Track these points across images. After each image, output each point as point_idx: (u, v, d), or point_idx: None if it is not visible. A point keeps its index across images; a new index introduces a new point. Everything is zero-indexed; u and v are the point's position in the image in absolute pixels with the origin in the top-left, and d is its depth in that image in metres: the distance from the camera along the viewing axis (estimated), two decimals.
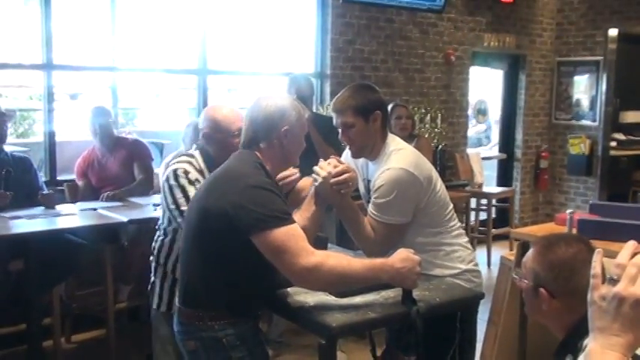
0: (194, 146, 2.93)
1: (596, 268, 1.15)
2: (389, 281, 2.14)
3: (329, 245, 2.66)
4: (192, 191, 2.60)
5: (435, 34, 6.93)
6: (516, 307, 3.62)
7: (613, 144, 8.21)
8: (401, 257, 2.13)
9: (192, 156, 2.82)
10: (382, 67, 6.52)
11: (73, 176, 4.78)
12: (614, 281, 1.12)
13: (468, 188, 6.64)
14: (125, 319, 4.60)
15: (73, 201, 4.47)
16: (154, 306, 2.88)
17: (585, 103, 8.04)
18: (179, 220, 2.64)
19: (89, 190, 4.64)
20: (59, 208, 4.12)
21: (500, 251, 6.66)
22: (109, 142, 4.64)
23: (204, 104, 5.66)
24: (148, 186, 4.69)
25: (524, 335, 3.58)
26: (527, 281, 1.76)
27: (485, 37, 7.43)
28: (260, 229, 2.01)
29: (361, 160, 2.74)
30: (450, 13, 7.03)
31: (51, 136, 4.89)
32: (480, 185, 6.90)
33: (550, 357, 4.00)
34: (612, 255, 3.10)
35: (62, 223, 3.87)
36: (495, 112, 8.64)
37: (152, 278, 2.93)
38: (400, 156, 2.56)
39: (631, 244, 1.15)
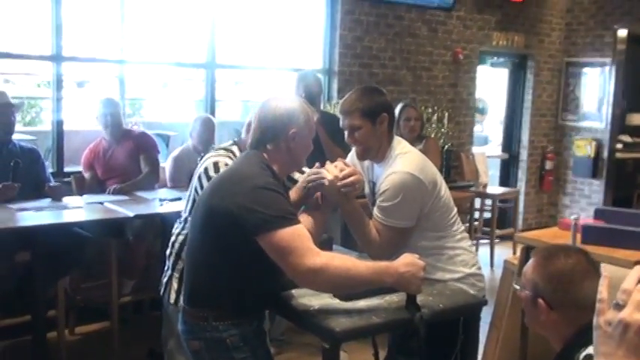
0: (230, 141, 2.94)
1: (602, 292, 1.16)
2: (393, 285, 2.15)
3: (334, 246, 2.66)
4: None
5: (443, 32, 6.92)
6: (519, 311, 3.63)
7: (619, 146, 8.19)
8: (405, 262, 2.14)
9: (230, 150, 2.85)
10: (390, 65, 6.52)
11: (79, 167, 4.79)
12: (619, 307, 1.12)
13: (472, 188, 6.64)
14: (129, 312, 4.62)
15: (80, 193, 4.48)
16: (172, 301, 2.85)
17: (592, 104, 8.02)
18: None
19: (95, 182, 4.65)
20: (66, 200, 4.13)
21: (503, 252, 6.68)
22: (117, 134, 4.65)
23: (212, 97, 5.67)
24: (153, 179, 4.71)
25: (526, 339, 3.59)
26: (527, 291, 1.78)
27: (494, 35, 7.41)
28: (266, 230, 2.01)
29: (367, 162, 2.75)
30: (460, 11, 7.02)
31: (59, 125, 4.90)
32: (485, 185, 6.90)
33: None
34: (616, 262, 3.10)
35: (69, 216, 3.89)
36: (496, 112, 8.61)
37: (169, 272, 2.89)
38: (406, 160, 2.57)
39: (638, 269, 1.15)
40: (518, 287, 1.85)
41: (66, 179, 4.68)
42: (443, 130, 6.41)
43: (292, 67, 5.86)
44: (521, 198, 7.87)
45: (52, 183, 4.23)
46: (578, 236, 3.42)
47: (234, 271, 2.13)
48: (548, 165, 8.17)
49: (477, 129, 10.07)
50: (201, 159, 3.88)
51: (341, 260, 2.08)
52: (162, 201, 4.16)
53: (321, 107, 5.17)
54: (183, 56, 5.84)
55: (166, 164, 4.87)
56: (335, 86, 6.18)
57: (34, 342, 3.87)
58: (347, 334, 2.11)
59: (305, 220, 2.28)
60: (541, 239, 3.65)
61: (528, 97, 7.98)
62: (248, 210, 2.02)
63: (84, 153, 4.72)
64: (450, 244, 2.65)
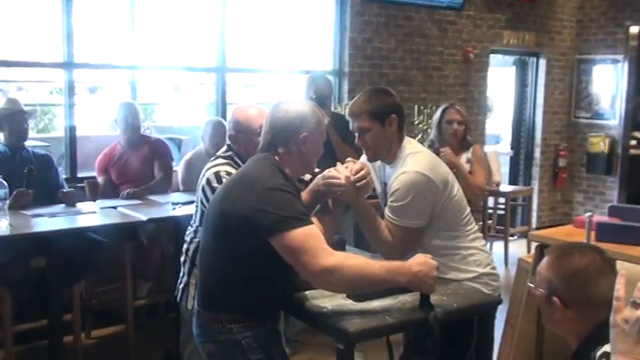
0: (224, 147, 2.95)
1: (619, 290, 1.16)
2: (406, 284, 2.14)
3: (346, 247, 2.66)
4: None
5: (453, 32, 6.90)
6: (534, 309, 3.62)
7: (633, 143, 8.13)
8: (418, 261, 2.14)
9: (230, 157, 2.86)
10: (400, 65, 6.51)
11: (92, 173, 4.82)
12: (637, 305, 1.12)
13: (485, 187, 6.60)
14: (144, 315, 4.64)
15: (93, 199, 4.51)
16: (189, 307, 2.85)
17: (605, 101, 7.97)
18: None
19: (109, 186, 4.68)
20: (80, 206, 4.16)
21: (517, 250, 6.65)
22: (135, 138, 4.69)
23: (223, 101, 5.69)
24: (166, 184, 4.74)
25: (541, 338, 3.57)
26: (541, 290, 1.78)
27: (505, 34, 7.39)
28: (278, 231, 2.02)
29: (378, 163, 2.75)
30: (469, 10, 7.00)
31: (72, 131, 4.94)
32: (498, 184, 6.86)
33: None
34: (631, 259, 3.08)
35: (83, 221, 3.92)
36: (504, 110, 8.57)
37: (185, 279, 2.90)
38: (416, 159, 2.56)
39: None
40: (532, 285, 1.85)
41: (79, 185, 4.71)
42: None
43: (303, 70, 5.87)
44: (535, 196, 7.84)
45: (66, 189, 4.26)
46: (593, 234, 3.40)
47: (248, 274, 2.13)
48: (562, 162, 8.13)
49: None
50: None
51: (355, 260, 2.09)
52: (175, 204, 4.18)
53: (332, 109, 5.17)
54: (194, 60, 5.86)
55: (179, 168, 4.89)
56: (345, 87, 6.18)
57: (51, 346, 3.90)
58: (361, 335, 2.11)
59: (317, 221, 2.29)
60: (555, 237, 3.64)
61: (540, 95, 7.94)
62: (260, 212, 2.03)
63: (98, 157, 4.75)
64: (464, 243, 2.65)
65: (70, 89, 4.90)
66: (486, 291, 2.58)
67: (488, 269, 2.66)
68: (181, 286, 2.92)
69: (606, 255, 1.78)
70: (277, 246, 2.04)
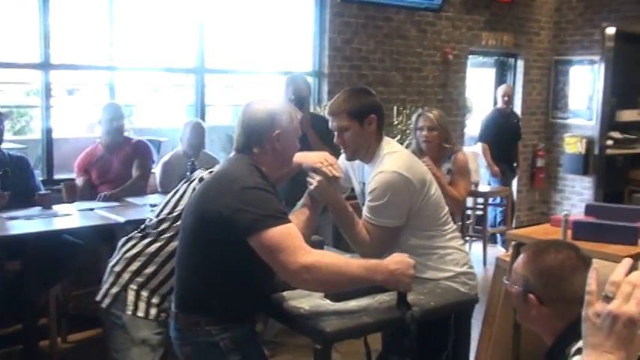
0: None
1: (591, 285, 1.16)
2: (383, 283, 2.15)
3: (325, 247, 2.66)
4: None
5: (432, 33, 6.94)
6: (511, 309, 3.64)
7: (609, 143, 8.23)
8: (395, 260, 2.15)
9: None
10: (380, 66, 6.53)
11: (69, 175, 4.78)
12: (608, 299, 1.13)
13: None
14: None
15: (70, 201, 4.47)
16: (129, 312, 2.71)
17: (582, 101, 8.06)
18: None
19: (88, 187, 4.64)
20: (56, 208, 4.12)
21: (495, 250, 6.70)
22: (118, 140, 4.66)
23: (202, 102, 5.67)
24: (142, 184, 4.70)
25: (518, 336, 3.60)
26: (517, 287, 1.78)
27: (483, 35, 7.44)
28: (256, 230, 2.01)
29: (357, 163, 2.76)
30: (448, 11, 7.04)
31: (48, 133, 4.90)
32: (477, 184, 6.91)
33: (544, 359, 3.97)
34: (607, 257, 3.12)
35: (59, 223, 3.88)
36: (481, 110, 8.61)
37: (119, 284, 2.75)
38: (393, 159, 2.57)
39: (626, 262, 1.16)
40: (508, 283, 1.86)
41: (56, 187, 4.66)
42: None
43: (282, 71, 5.86)
44: (513, 196, 7.89)
45: (42, 191, 4.21)
46: (569, 232, 3.44)
47: (225, 276, 2.13)
48: (539, 162, 8.20)
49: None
50: (191, 164, 3.89)
51: (332, 257, 2.09)
52: (153, 206, 4.14)
53: (311, 109, 5.18)
54: (173, 62, 5.83)
55: (157, 169, 4.87)
56: (325, 88, 6.18)
57: (26, 351, 3.86)
58: (338, 335, 2.11)
59: (296, 219, 2.29)
60: (532, 236, 3.66)
61: (518, 96, 8.00)
62: (239, 211, 2.03)
63: (79, 157, 4.71)
64: (441, 243, 2.66)
65: (47, 90, 4.85)
66: (463, 290, 2.59)
67: (465, 268, 2.68)
68: (113, 290, 2.76)
69: (581, 252, 1.79)
70: (255, 245, 2.03)
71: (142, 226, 2.83)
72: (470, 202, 7.00)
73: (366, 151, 2.63)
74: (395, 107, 6.36)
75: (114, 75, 5.26)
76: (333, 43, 6.17)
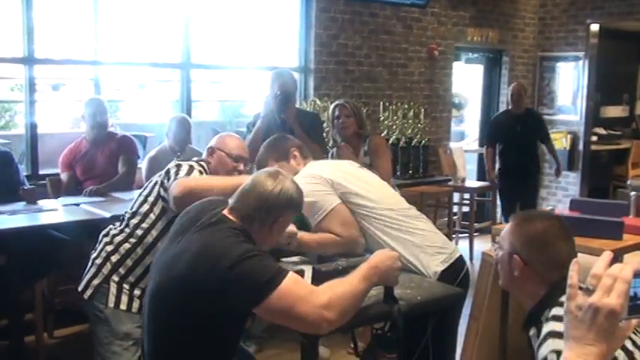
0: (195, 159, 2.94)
1: (572, 278, 1.18)
2: (378, 283, 2.15)
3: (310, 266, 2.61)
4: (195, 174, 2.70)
5: (418, 29, 6.95)
6: (498, 303, 3.66)
7: (594, 139, 8.29)
8: (381, 258, 2.15)
9: (202, 164, 2.88)
10: (366, 62, 6.54)
11: (55, 170, 4.75)
12: (589, 291, 1.14)
13: (450, 183, 6.69)
14: None
15: (56, 196, 4.44)
16: (111, 304, 2.77)
17: (567, 97, 8.11)
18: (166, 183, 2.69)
19: (73, 182, 4.61)
20: (41, 203, 4.09)
21: (482, 245, 6.72)
22: (102, 135, 4.64)
23: (188, 98, 5.65)
24: (129, 180, 4.69)
25: (505, 330, 3.62)
26: (503, 250, 1.92)
27: (469, 31, 7.46)
28: (262, 298, 1.91)
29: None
30: (434, 7, 7.06)
31: (33, 128, 4.86)
32: (463, 180, 6.94)
33: (530, 353, 4.03)
34: (591, 252, 3.14)
35: (44, 218, 3.85)
36: (473, 107, 8.67)
37: (101, 275, 2.82)
38: (301, 172, 2.73)
39: (607, 255, 1.17)
40: (495, 246, 2.02)
41: (41, 182, 4.63)
42: (420, 125, 6.44)
43: (268, 66, 5.85)
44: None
45: (27, 186, 4.18)
46: None
47: (209, 345, 2.04)
48: None
49: (459, 124, 10.16)
50: (177, 158, 3.88)
51: (338, 285, 2.01)
52: None
53: (297, 105, 5.18)
54: (159, 57, 5.80)
55: (142, 164, 4.85)
56: (311, 84, 6.18)
57: (12, 347, 3.82)
58: None
59: None
60: None
61: (504, 92, 8.03)
62: (238, 286, 1.92)
63: (63, 153, 4.68)
64: (395, 232, 2.66)
65: (31, 85, 4.82)
66: (436, 267, 2.59)
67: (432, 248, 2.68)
68: (95, 282, 2.80)
69: (564, 222, 1.95)
70: (265, 311, 1.95)
71: (121, 218, 2.89)
72: (456, 197, 7.04)
73: None
74: (381, 103, 6.38)
75: (99, 70, 5.23)
76: (319, 39, 6.17)
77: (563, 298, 1.22)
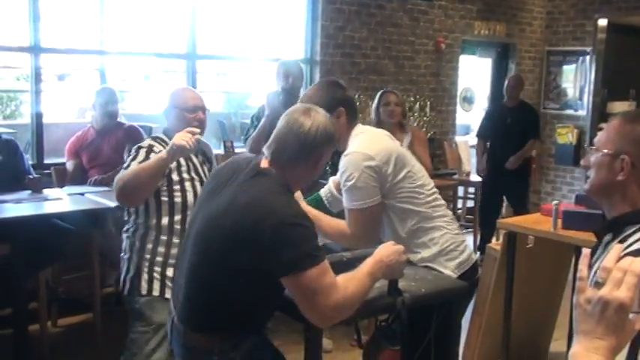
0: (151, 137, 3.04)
1: (582, 271, 1.17)
2: (383, 277, 2.15)
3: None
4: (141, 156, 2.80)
5: (425, 22, 6.92)
6: (501, 297, 3.66)
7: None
8: (386, 252, 2.13)
9: (154, 138, 2.96)
10: (372, 54, 6.52)
11: (60, 159, 4.75)
12: (599, 285, 1.13)
13: (455, 176, 6.67)
14: (112, 303, 4.59)
15: (61, 185, 4.44)
16: (143, 292, 2.82)
17: (574, 92, 8.08)
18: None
19: (79, 170, 4.62)
20: (46, 192, 4.10)
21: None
22: (111, 124, 4.64)
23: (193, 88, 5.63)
24: None
25: (508, 324, 3.62)
26: (606, 150, 1.73)
27: (476, 25, 7.43)
28: (293, 272, 1.90)
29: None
30: (441, 0, 7.03)
31: (38, 118, 4.87)
32: (468, 173, 6.93)
33: (533, 348, 4.06)
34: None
35: (49, 207, 3.86)
36: (482, 101, 8.64)
37: (133, 267, 2.90)
38: (358, 140, 2.56)
39: (617, 248, 1.16)
40: (592, 149, 1.80)
41: (46, 171, 4.64)
42: (425, 118, 6.43)
43: (274, 58, 5.82)
44: None
45: (32, 175, 4.19)
46: (560, 221, 3.45)
47: (247, 297, 2.02)
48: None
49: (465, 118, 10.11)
50: None
51: (350, 282, 2.00)
52: None
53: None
54: (164, 47, 5.79)
55: None
56: (317, 76, 6.16)
57: (16, 335, 3.83)
58: None
59: None
60: (523, 225, 3.68)
61: None
62: (278, 248, 1.90)
63: (70, 140, 4.68)
64: (427, 224, 2.61)
65: (37, 75, 4.82)
66: (447, 271, 2.53)
67: (447, 245, 2.60)
68: (129, 276, 2.87)
69: None
70: (290, 284, 1.94)
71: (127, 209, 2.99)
72: (461, 191, 7.02)
73: (339, 142, 2.61)
74: None
75: (105, 60, 5.22)
76: (325, 31, 6.15)
77: None
